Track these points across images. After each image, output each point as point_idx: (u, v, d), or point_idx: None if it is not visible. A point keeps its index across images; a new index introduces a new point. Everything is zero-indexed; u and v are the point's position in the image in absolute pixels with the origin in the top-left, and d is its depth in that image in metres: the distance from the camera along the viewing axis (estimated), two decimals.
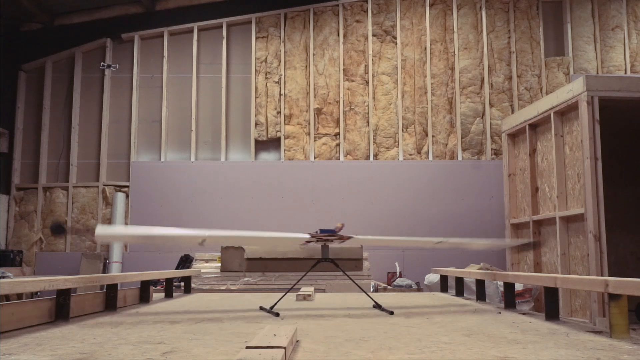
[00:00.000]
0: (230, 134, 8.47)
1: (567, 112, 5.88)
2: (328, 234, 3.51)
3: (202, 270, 6.42)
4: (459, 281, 4.76)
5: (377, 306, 3.56)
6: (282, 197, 8.12)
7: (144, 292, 4.06)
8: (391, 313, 3.32)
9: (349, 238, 3.56)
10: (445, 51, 8.59)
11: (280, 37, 8.58)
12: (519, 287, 5.91)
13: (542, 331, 2.52)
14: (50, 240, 8.27)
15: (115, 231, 5.60)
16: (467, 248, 7.56)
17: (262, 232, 4.21)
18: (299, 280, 4.11)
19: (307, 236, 3.51)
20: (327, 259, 3.57)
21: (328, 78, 8.50)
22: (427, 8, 8.63)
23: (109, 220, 8.22)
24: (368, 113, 8.41)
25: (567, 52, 8.61)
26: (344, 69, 8.50)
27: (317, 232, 3.53)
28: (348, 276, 4.16)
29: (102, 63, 8.45)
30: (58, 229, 6.81)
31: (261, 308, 3.54)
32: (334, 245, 3.67)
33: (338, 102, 8.44)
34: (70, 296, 2.89)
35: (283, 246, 6.16)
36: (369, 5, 8.61)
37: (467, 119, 8.42)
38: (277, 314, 3.14)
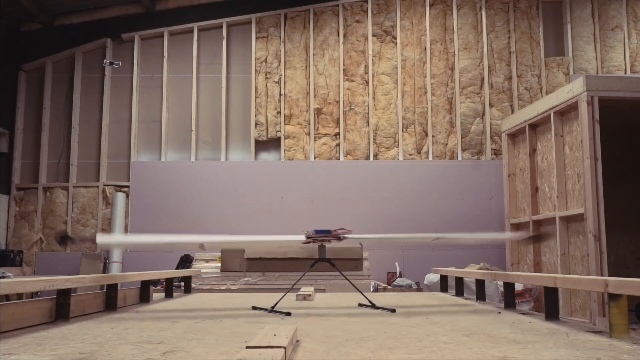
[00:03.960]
0: (230, 134, 8.47)
1: (567, 112, 5.88)
2: (323, 235, 3.52)
3: (202, 270, 6.42)
4: (459, 281, 4.76)
5: (372, 305, 3.57)
6: (282, 197, 8.11)
7: (144, 292, 4.06)
8: (393, 311, 3.32)
9: (344, 238, 3.56)
10: (445, 51, 8.59)
11: (280, 37, 8.58)
12: (519, 287, 5.91)
13: (542, 331, 2.52)
14: (50, 240, 8.27)
15: (115, 239, 5.66)
16: (465, 243, 7.54)
17: (259, 236, 4.25)
18: (297, 281, 4.12)
19: (302, 238, 3.52)
20: (324, 259, 3.57)
21: (328, 78, 8.51)
22: (427, 8, 8.63)
23: (109, 220, 8.22)
24: (368, 113, 8.41)
25: (567, 52, 8.61)
26: (344, 69, 8.50)
27: (312, 232, 3.53)
28: (344, 276, 4.17)
29: (104, 60, 8.44)
30: (63, 239, 6.86)
31: (254, 307, 3.54)
32: (334, 245, 3.67)
33: (338, 102, 8.44)
34: (70, 296, 2.89)
35: (281, 248, 6.16)
36: (369, 5, 8.61)
37: (467, 119, 8.41)
38: (289, 314, 3.14)
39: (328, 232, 3.53)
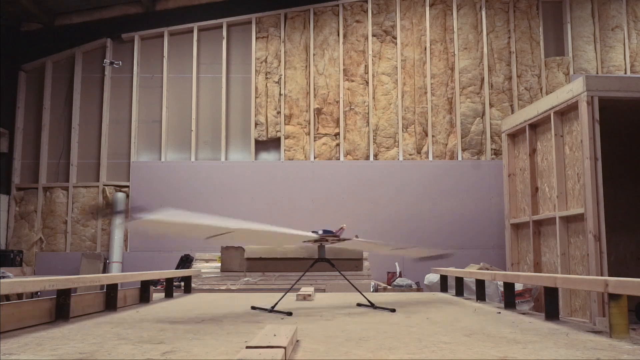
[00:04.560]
0: (230, 134, 8.47)
1: (567, 112, 5.88)
2: (331, 235, 3.54)
3: (202, 270, 6.42)
4: (459, 281, 4.77)
5: (371, 305, 3.58)
6: (282, 197, 8.11)
7: (144, 292, 4.06)
8: (393, 310, 3.33)
9: (346, 239, 3.58)
10: (445, 51, 8.59)
11: (280, 37, 8.58)
12: (519, 287, 5.91)
13: (542, 331, 2.52)
14: (50, 240, 8.27)
15: (160, 218, 5.35)
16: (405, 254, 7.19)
17: (276, 227, 4.12)
18: (297, 281, 4.12)
19: (315, 235, 3.53)
20: (324, 259, 3.58)
21: (328, 78, 8.50)
22: (427, 8, 8.63)
23: (109, 220, 8.22)
24: (368, 113, 8.41)
25: (567, 52, 8.61)
26: (344, 69, 8.50)
27: (321, 232, 3.54)
28: (344, 276, 4.17)
29: (104, 60, 8.44)
30: (101, 211, 6.53)
31: (253, 307, 3.55)
32: (334, 245, 3.68)
33: (338, 102, 8.44)
34: (70, 296, 2.89)
35: (292, 242, 6.08)
36: (369, 5, 8.60)
37: (467, 119, 8.41)
38: (290, 313, 3.15)
39: (332, 232, 3.55)
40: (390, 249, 4.65)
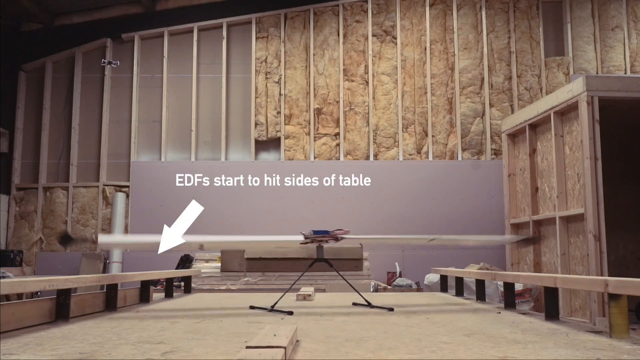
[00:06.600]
0: (230, 134, 8.47)
1: (567, 112, 5.88)
2: (321, 235, 3.53)
3: (202, 270, 6.42)
4: (459, 281, 4.76)
5: (367, 304, 3.59)
6: (282, 197, 8.11)
7: (144, 292, 4.06)
8: (391, 310, 3.33)
9: (342, 239, 3.57)
10: (445, 51, 8.59)
11: (280, 37, 8.58)
12: (519, 287, 5.91)
13: (542, 331, 2.52)
14: (50, 240, 8.26)
15: (116, 240, 5.68)
16: (462, 245, 7.49)
17: (258, 236, 4.29)
18: (296, 281, 4.12)
19: (301, 238, 3.53)
20: (322, 259, 3.58)
21: (328, 78, 8.50)
22: (427, 8, 8.63)
23: (109, 220, 8.22)
24: (368, 113, 8.41)
25: (567, 52, 8.61)
26: (344, 69, 8.50)
27: (310, 232, 3.54)
28: (342, 276, 4.17)
29: (102, 60, 8.44)
30: (64, 240, 6.83)
31: (251, 307, 3.55)
32: (334, 245, 3.68)
33: (338, 102, 8.44)
34: (71, 296, 2.89)
35: (281, 248, 6.16)
36: (369, 5, 8.60)
37: (467, 119, 8.41)
38: (291, 312, 3.15)
39: (326, 232, 3.54)
40: (428, 240, 4.52)
